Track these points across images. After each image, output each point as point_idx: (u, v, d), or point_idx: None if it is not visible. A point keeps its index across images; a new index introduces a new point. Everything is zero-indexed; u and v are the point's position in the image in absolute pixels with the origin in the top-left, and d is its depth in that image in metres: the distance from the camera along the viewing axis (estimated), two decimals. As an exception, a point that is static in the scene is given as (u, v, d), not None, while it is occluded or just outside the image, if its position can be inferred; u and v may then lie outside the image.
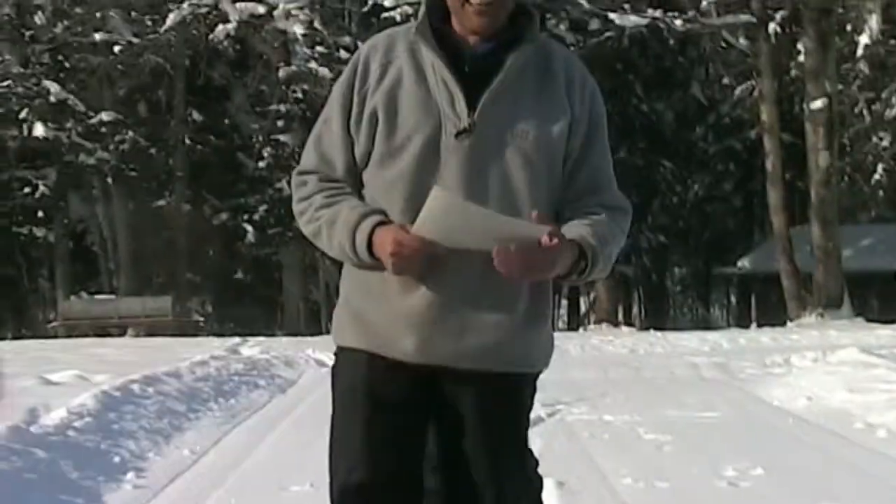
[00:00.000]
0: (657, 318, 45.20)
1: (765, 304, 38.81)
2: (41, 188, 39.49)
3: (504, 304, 3.13)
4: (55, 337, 32.24)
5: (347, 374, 3.24)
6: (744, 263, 42.19)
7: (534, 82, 3.21)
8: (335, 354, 3.31)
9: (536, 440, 5.09)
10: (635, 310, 50.74)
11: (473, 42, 3.20)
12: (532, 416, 3.33)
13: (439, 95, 3.14)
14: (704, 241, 49.23)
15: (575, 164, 3.22)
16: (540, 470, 3.35)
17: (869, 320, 28.96)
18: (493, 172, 3.13)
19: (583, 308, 46.81)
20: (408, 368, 3.14)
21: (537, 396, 3.33)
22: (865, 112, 34.82)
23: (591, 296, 44.07)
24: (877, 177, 35.34)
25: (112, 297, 37.74)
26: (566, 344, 19.26)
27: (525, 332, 3.18)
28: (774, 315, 33.17)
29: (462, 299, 3.11)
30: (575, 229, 3.13)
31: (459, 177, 3.10)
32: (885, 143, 34.81)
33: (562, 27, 36.93)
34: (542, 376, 3.31)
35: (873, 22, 29.68)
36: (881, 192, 36.85)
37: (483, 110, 3.11)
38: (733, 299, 52.16)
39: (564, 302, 49.43)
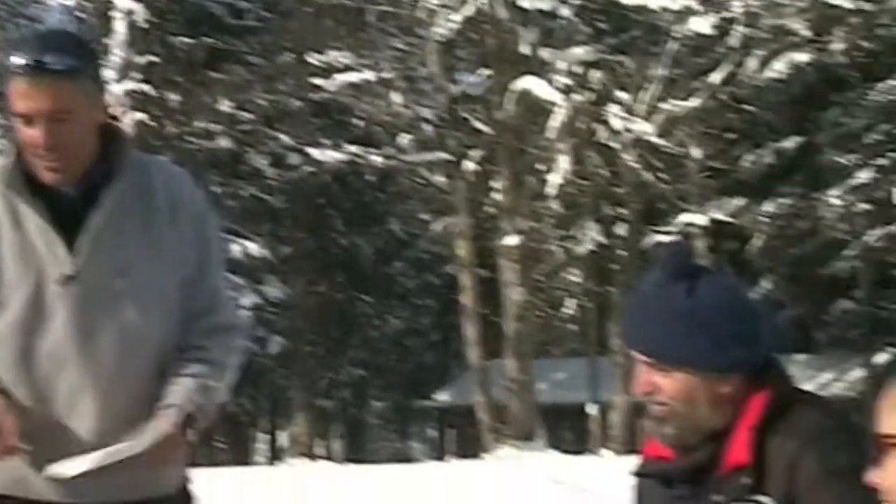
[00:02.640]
0: (357, 452, 45.23)
1: (462, 437, 39.23)
2: None
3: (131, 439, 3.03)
4: None
5: None
6: (442, 396, 42.57)
7: (135, 215, 3.08)
8: None
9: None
10: (335, 443, 50.59)
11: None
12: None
13: (38, 242, 3.00)
14: (403, 375, 49.60)
15: (191, 286, 3.12)
16: None
17: (562, 451, 29.53)
18: (104, 318, 3.02)
19: (282, 442, 46.44)
20: None
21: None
22: (557, 249, 35.78)
23: (292, 430, 43.79)
24: (568, 311, 36.27)
25: None
26: (264, 478, 19.04)
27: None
28: (472, 447, 33.53)
29: (92, 442, 3.02)
30: (182, 388, 3.07)
31: (68, 326, 2.99)
32: (576, 278, 35.78)
33: (261, 161, 37.06)
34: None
35: (563, 162, 30.71)
36: (572, 327, 37.81)
37: (85, 254, 2.99)
38: (432, 432, 52.53)
39: (264, 437, 49.00)
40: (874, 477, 1.91)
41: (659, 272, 2.69)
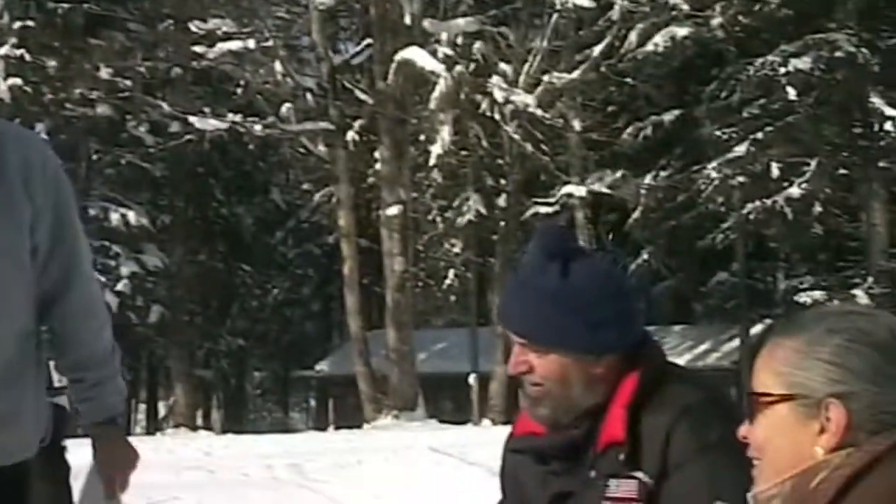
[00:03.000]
0: (237, 422, 45.04)
1: (343, 407, 39.21)
2: None
3: None
4: None
5: None
6: (322, 367, 42.57)
7: None
8: None
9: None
10: (214, 414, 50.36)
11: None
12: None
13: None
14: (284, 345, 49.49)
15: (46, 255, 3.06)
16: None
17: (442, 421, 29.68)
18: None
19: (161, 413, 46.13)
20: None
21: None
22: (438, 219, 35.91)
23: (171, 400, 43.51)
24: (449, 282, 36.41)
25: None
26: (138, 448, 18.87)
27: None
28: (352, 417, 33.55)
29: None
30: (97, 407, 3.22)
31: None
32: (457, 249, 35.94)
33: (141, 129, 36.66)
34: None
35: (445, 133, 30.81)
36: (453, 298, 37.96)
37: None
38: (312, 402, 52.50)
39: (142, 407, 48.63)
40: (744, 430, 1.96)
41: (535, 252, 2.70)
